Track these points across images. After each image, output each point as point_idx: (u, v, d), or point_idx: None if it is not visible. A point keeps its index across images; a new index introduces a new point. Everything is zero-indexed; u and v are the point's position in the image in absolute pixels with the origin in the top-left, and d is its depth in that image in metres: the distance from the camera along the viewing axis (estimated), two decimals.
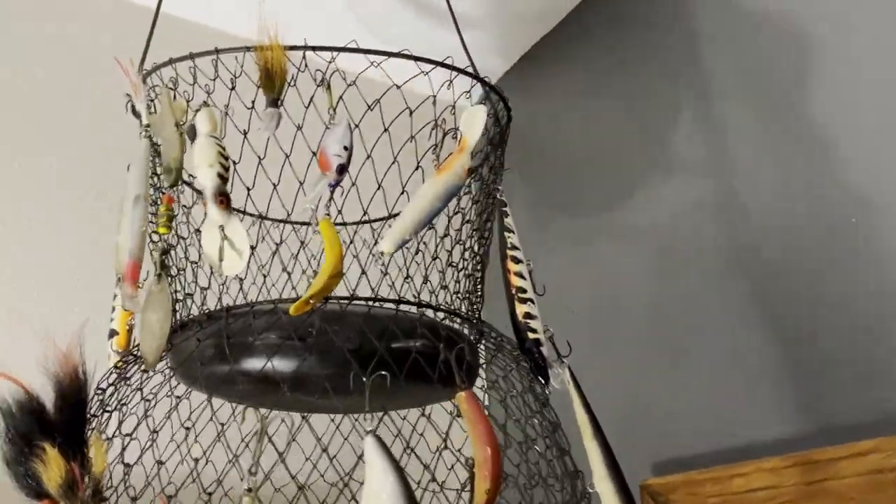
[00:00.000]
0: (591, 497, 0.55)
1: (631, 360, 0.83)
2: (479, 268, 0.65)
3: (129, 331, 0.63)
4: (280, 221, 0.67)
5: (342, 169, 0.53)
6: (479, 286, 0.65)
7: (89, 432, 0.53)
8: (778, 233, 0.74)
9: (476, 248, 0.64)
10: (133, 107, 0.65)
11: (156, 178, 0.60)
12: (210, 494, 0.50)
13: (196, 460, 0.51)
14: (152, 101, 0.61)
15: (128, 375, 0.57)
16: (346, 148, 0.53)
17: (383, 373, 0.47)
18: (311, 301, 0.50)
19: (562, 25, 1.03)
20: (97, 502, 0.46)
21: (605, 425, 0.55)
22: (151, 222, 0.59)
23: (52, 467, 0.46)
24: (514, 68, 1.11)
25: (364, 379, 0.47)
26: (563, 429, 0.58)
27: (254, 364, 0.53)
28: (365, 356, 0.50)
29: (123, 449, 0.49)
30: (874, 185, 0.66)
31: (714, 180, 0.81)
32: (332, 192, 0.53)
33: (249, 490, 0.41)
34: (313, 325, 0.52)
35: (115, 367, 0.58)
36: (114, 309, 0.65)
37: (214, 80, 0.57)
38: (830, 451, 0.62)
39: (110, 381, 0.57)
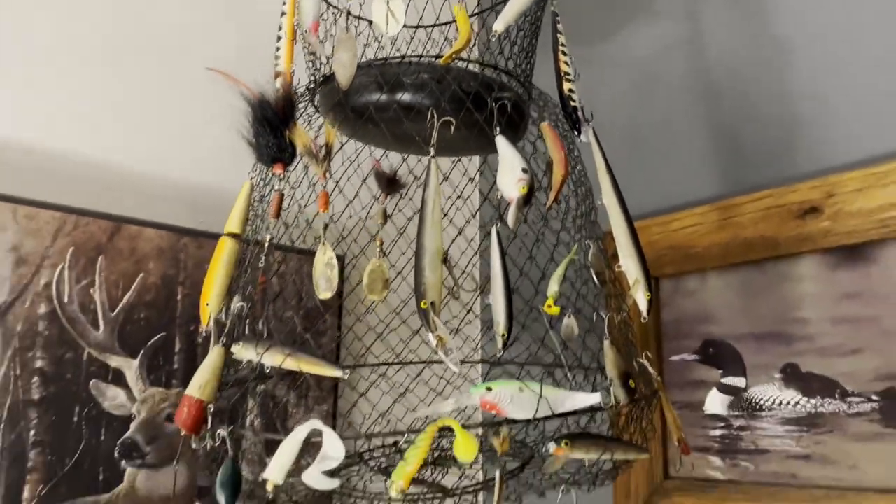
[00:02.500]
0: (598, 210, 0.88)
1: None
2: (532, 45, 0.93)
3: (292, 74, 0.88)
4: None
5: None
6: (531, 61, 0.94)
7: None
8: (728, 65, 1.07)
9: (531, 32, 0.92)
10: None
11: None
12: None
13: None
14: None
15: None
16: None
17: (507, 95, 0.76)
18: (453, 56, 0.79)
19: None
20: (328, 160, 0.74)
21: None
22: None
23: (302, 136, 0.73)
24: None
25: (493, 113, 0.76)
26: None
27: (398, 94, 0.80)
28: (484, 97, 0.79)
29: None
30: (792, 34, 0.99)
31: (686, 25, 1.12)
32: None
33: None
34: (449, 72, 0.80)
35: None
36: (277, 58, 0.89)
37: None
38: (739, 199, 0.98)
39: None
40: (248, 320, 0.75)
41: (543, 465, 0.67)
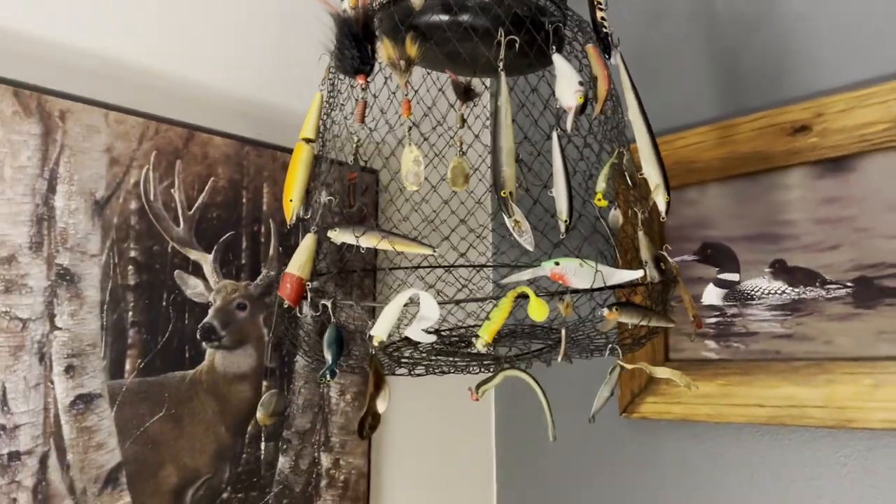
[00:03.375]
0: (626, 125, 1.01)
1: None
2: None
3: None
4: None
5: None
6: None
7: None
8: None
9: None
10: None
11: None
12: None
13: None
14: None
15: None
16: None
17: (558, 19, 0.88)
18: None
19: None
20: (409, 68, 0.84)
21: None
22: None
23: (387, 47, 0.84)
24: None
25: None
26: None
27: (464, 17, 0.91)
28: (539, 20, 0.90)
29: None
30: None
31: None
32: None
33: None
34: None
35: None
36: None
37: None
38: (737, 120, 1.13)
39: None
40: (335, 210, 0.87)
41: (598, 325, 0.82)
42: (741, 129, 1.12)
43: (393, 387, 1.32)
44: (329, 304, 0.81)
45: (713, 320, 1.13)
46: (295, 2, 1.20)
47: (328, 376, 0.79)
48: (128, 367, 0.94)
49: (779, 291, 1.07)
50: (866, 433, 0.99)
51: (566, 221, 0.80)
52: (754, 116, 1.11)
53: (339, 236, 0.84)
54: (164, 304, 0.98)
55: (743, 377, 1.08)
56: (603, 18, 1.01)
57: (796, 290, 1.05)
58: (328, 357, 0.79)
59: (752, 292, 1.09)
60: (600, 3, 1.01)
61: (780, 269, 1.07)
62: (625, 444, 1.24)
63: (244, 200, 1.08)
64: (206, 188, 1.04)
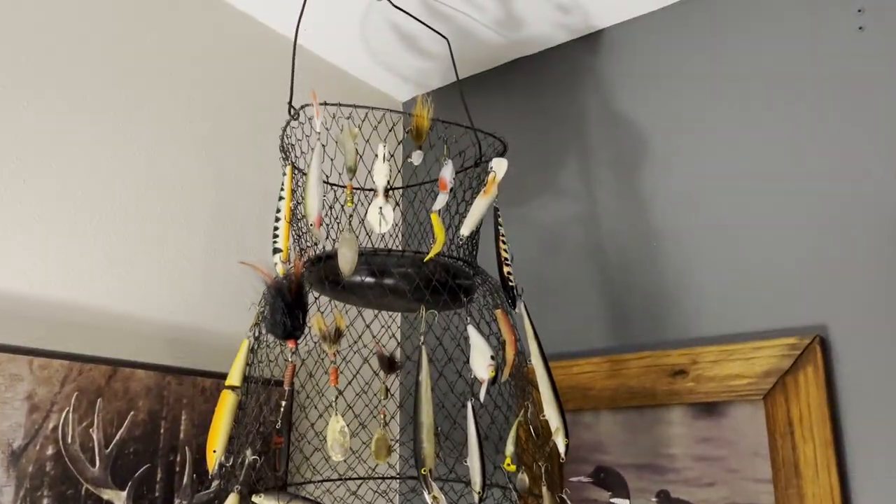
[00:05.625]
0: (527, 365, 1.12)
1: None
2: (475, 241, 1.17)
3: (289, 251, 1.05)
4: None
5: (451, 189, 1.02)
6: (475, 251, 1.17)
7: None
8: (616, 238, 1.36)
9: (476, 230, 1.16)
10: (296, 114, 1.06)
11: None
12: None
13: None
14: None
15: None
16: (453, 179, 1.02)
17: (469, 283, 0.98)
18: (433, 256, 1.00)
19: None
20: (337, 340, 0.91)
21: None
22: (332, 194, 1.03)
23: (318, 321, 0.91)
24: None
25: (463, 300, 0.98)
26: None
27: (386, 279, 1.00)
28: (454, 284, 1.01)
29: None
30: (667, 226, 1.30)
31: (584, 205, 1.41)
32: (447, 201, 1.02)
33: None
34: (414, 264, 1.01)
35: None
36: (276, 237, 1.05)
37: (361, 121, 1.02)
38: (626, 356, 1.26)
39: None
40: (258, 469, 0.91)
41: None
42: (630, 365, 1.25)
43: None
44: None
45: None
46: (221, 229, 1.26)
47: None
48: None
49: None
50: None
51: (480, 493, 0.87)
52: (640, 355, 1.24)
53: (263, 501, 0.87)
54: None
55: None
56: (509, 273, 1.13)
57: None
58: None
59: None
60: (507, 260, 1.14)
61: (665, 500, 1.18)
62: None
63: (162, 431, 1.09)
64: (126, 423, 1.05)
